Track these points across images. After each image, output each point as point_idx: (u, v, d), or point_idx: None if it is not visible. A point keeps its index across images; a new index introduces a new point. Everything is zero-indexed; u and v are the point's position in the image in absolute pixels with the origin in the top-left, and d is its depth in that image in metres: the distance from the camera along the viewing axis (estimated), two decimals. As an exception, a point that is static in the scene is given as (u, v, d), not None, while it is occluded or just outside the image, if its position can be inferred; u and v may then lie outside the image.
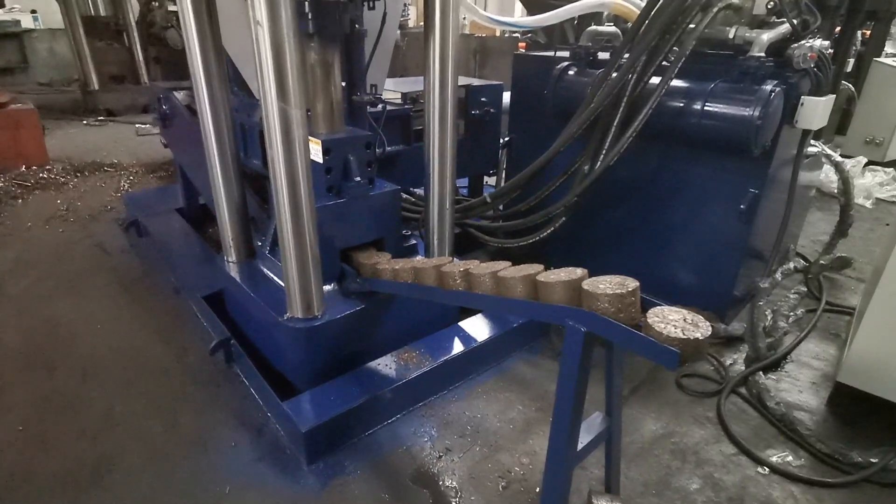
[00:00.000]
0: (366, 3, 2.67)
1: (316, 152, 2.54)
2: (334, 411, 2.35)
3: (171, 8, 8.74)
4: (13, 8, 10.99)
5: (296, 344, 2.52)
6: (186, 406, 2.63)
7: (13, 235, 4.43)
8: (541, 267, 1.72)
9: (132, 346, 3.06)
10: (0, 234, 4.44)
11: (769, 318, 3.16)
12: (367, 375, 2.59)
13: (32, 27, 11.18)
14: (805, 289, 3.71)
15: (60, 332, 3.17)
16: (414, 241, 3.12)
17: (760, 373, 2.81)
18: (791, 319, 3.31)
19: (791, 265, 3.29)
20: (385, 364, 2.67)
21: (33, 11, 11.13)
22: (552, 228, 3.15)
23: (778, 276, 3.09)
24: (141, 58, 9.09)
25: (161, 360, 2.95)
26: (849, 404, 2.64)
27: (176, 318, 3.31)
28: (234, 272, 2.88)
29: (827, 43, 2.82)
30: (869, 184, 5.72)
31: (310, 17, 2.42)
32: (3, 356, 2.96)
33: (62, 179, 5.74)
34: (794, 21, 2.64)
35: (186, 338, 3.13)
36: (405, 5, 7.62)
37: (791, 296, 3.54)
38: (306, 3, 2.39)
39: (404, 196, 3.71)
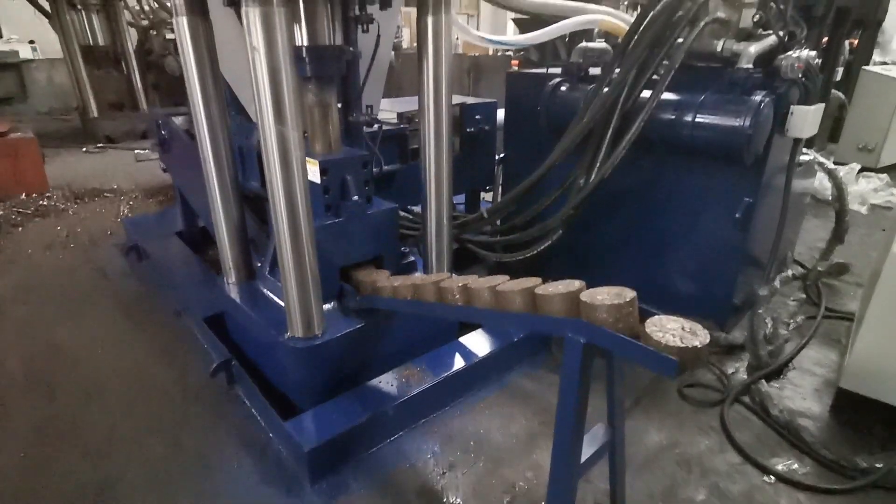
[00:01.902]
0: (360, 26, 2.73)
1: (314, 173, 2.57)
2: (337, 430, 2.34)
3: (169, 36, 8.88)
4: (11, 39, 11.14)
5: (297, 363, 2.52)
6: (188, 428, 2.62)
7: (14, 262, 4.44)
8: (539, 280, 1.73)
9: (133, 370, 3.05)
10: (0, 262, 4.45)
11: (769, 325, 3.16)
12: (368, 393, 2.59)
13: (31, 57, 11.32)
14: (804, 295, 3.72)
15: (62, 357, 3.17)
16: (413, 258, 3.13)
17: (763, 381, 2.81)
18: (791, 326, 3.31)
19: (789, 272, 3.31)
20: (386, 381, 2.67)
21: (31, 42, 11.27)
22: (550, 242, 3.17)
23: (776, 283, 3.10)
24: (139, 85, 9.19)
25: (162, 383, 2.95)
26: (852, 410, 2.63)
27: (177, 341, 3.31)
28: (234, 293, 2.88)
29: (814, 53, 2.87)
30: (863, 190, 5.76)
31: (307, 60, 2.47)
32: (4, 381, 2.96)
33: (62, 206, 5.77)
34: (781, 33, 2.70)
35: (187, 360, 3.12)
36: (398, 27, 7.74)
37: (790, 303, 3.56)
38: (304, 48, 2.44)
39: (402, 213, 3.74)
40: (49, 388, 2.90)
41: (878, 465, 2.28)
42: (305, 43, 2.46)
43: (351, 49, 2.69)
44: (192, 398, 2.83)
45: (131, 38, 9.09)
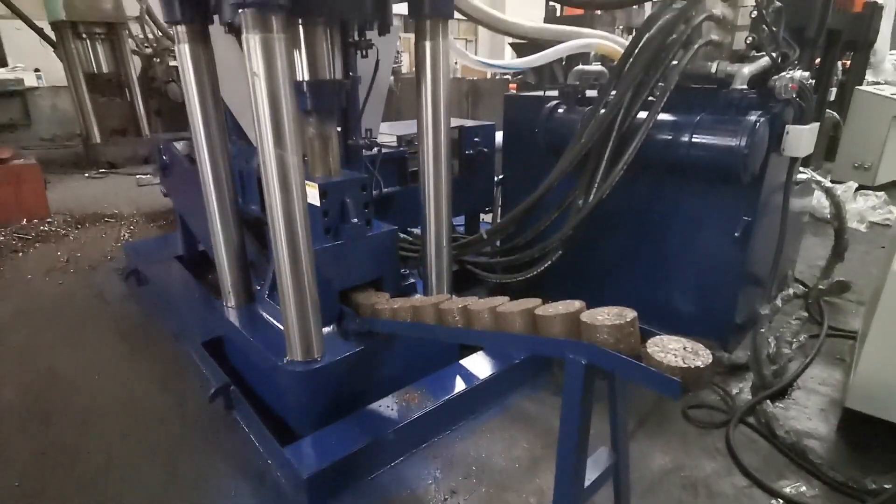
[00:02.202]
0: (359, 52, 2.77)
1: (313, 196, 2.58)
2: (336, 456, 2.31)
3: (172, 63, 9.01)
4: (17, 67, 11.31)
5: (296, 388, 2.49)
6: (186, 454, 2.58)
7: (13, 288, 4.43)
8: (539, 301, 1.72)
9: (131, 395, 3.02)
10: (0, 287, 4.45)
11: (772, 345, 3.14)
12: (368, 417, 2.56)
13: (36, 85, 11.47)
14: (806, 314, 3.70)
15: (59, 383, 3.14)
16: (412, 280, 3.13)
17: (768, 401, 2.78)
18: (794, 345, 3.29)
19: (790, 291, 3.30)
20: (386, 405, 2.64)
21: (37, 70, 11.44)
22: (549, 262, 3.17)
23: (778, 302, 3.09)
24: (142, 111, 9.30)
25: (160, 408, 2.91)
26: (859, 430, 2.59)
27: (175, 366, 3.29)
28: (233, 317, 2.87)
29: (807, 73, 2.91)
30: (861, 208, 5.78)
31: (308, 95, 2.49)
32: (1, 407, 2.93)
33: (63, 231, 5.78)
34: (774, 54, 2.74)
35: (186, 385, 3.10)
36: (397, 52, 7.87)
37: (793, 322, 3.53)
38: (304, 83, 2.47)
39: (402, 235, 3.75)
40: (46, 415, 2.86)
41: (886, 486, 2.24)
42: (305, 68, 2.49)
43: (350, 74, 2.72)
44: (190, 424, 2.79)
45: (135, 65, 9.23)
